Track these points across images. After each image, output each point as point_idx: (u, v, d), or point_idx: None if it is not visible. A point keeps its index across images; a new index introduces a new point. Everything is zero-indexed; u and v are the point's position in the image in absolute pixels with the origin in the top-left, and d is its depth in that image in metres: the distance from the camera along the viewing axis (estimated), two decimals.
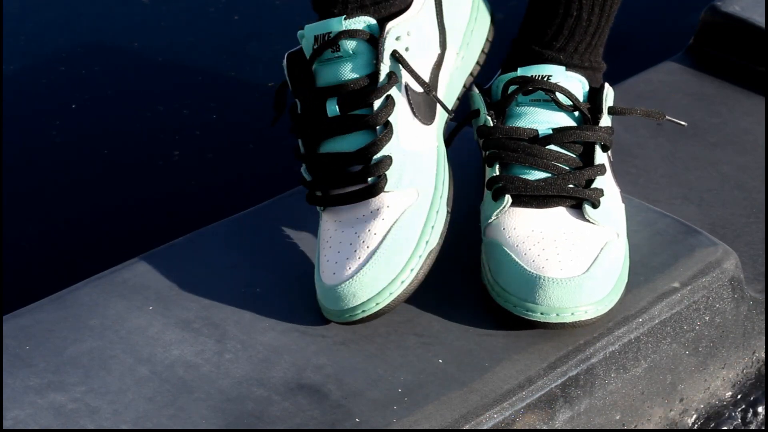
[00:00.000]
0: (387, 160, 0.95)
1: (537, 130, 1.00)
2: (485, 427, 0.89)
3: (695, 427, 1.05)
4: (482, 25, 1.06)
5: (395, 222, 0.94)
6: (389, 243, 0.93)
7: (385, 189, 0.95)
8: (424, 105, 0.98)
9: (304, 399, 0.89)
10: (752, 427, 1.07)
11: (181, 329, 0.95)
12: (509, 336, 0.95)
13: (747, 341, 1.07)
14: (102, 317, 0.96)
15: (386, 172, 0.95)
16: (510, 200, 0.98)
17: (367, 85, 0.95)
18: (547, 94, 1.01)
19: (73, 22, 1.66)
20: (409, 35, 0.96)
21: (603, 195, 0.99)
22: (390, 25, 0.95)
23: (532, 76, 1.01)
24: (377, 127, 0.95)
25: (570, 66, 1.04)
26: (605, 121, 1.02)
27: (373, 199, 0.95)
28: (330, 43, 0.95)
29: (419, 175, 0.96)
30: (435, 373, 0.91)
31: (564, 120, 1.01)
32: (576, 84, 1.02)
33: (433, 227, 0.95)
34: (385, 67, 0.95)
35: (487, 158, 1.01)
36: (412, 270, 0.93)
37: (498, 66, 1.09)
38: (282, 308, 0.97)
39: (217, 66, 1.57)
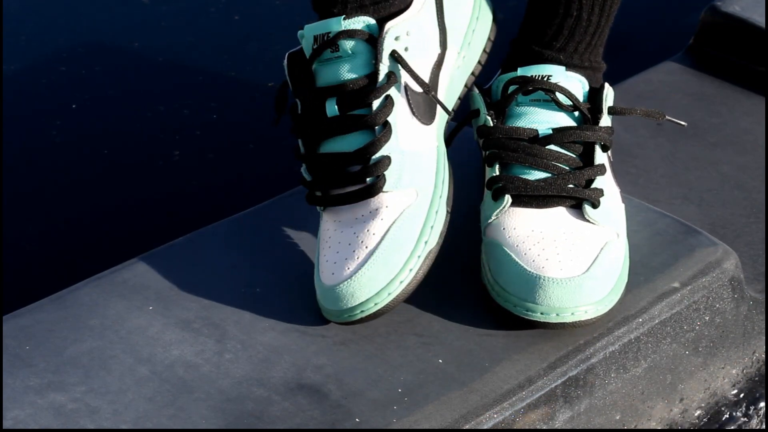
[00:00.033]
0: (386, 160, 0.95)
1: (537, 130, 1.00)
2: (485, 427, 0.89)
3: (695, 427, 1.05)
4: (484, 24, 1.06)
5: (394, 222, 0.94)
6: (388, 243, 0.93)
7: (384, 189, 0.95)
8: (424, 105, 0.98)
9: (304, 399, 0.89)
10: (752, 426, 1.07)
11: (181, 329, 0.95)
12: (509, 336, 0.95)
13: (747, 341, 1.07)
14: (102, 317, 0.96)
15: (385, 172, 0.95)
16: (510, 200, 0.98)
17: (366, 85, 0.95)
18: (547, 94, 1.01)
19: (73, 22, 1.66)
20: (408, 35, 0.96)
21: (603, 195, 0.99)
22: (389, 25, 0.95)
23: (532, 76, 1.01)
24: (376, 127, 0.95)
25: (570, 66, 1.04)
26: (605, 121, 1.02)
27: (372, 199, 0.95)
28: (329, 43, 0.95)
29: (418, 175, 0.96)
30: (435, 373, 0.91)
31: (564, 120, 1.01)
32: (576, 84, 1.02)
33: (432, 227, 0.95)
34: (384, 67, 0.95)
35: (487, 158, 1.01)
36: (411, 270, 0.93)
37: (498, 66, 1.09)
38: (282, 308, 0.97)
39: (217, 66, 1.57)
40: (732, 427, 1.06)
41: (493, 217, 0.98)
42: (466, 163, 1.08)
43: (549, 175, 0.99)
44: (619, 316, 0.97)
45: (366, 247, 0.93)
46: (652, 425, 1.02)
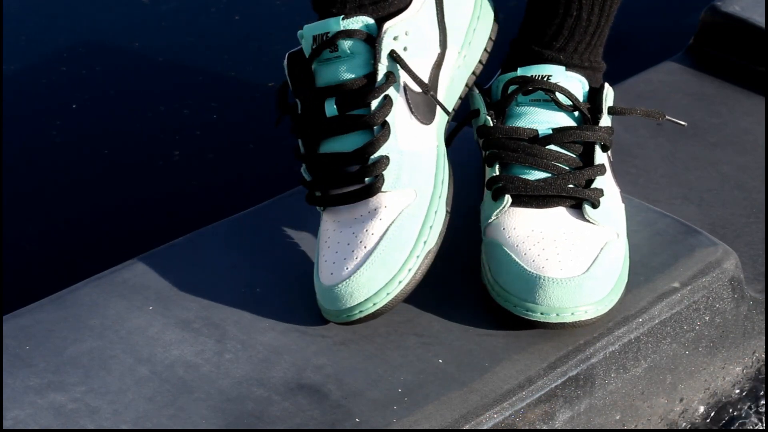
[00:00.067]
0: (384, 160, 0.95)
1: (537, 130, 1.00)
2: (485, 427, 0.89)
3: (695, 427, 1.05)
4: (485, 23, 1.05)
5: (393, 222, 0.94)
6: (386, 243, 0.93)
7: (383, 189, 0.94)
8: (423, 105, 0.98)
9: (304, 399, 0.89)
10: (753, 426, 1.07)
11: (181, 329, 0.95)
12: (509, 336, 0.95)
13: (747, 341, 1.07)
14: (102, 317, 0.96)
15: (383, 172, 0.95)
16: (510, 200, 0.98)
17: (365, 85, 0.95)
18: (547, 94, 1.01)
19: (73, 22, 1.66)
20: (407, 35, 0.96)
21: (603, 195, 0.99)
22: (387, 24, 0.95)
23: (532, 76, 1.01)
24: (375, 127, 0.95)
25: (570, 66, 1.04)
26: (605, 121, 1.02)
27: (371, 199, 0.95)
28: (328, 43, 0.95)
29: (417, 175, 0.96)
30: (435, 373, 0.91)
31: (564, 120, 1.01)
32: (576, 84, 1.02)
33: (431, 227, 0.95)
34: (382, 67, 0.95)
35: (487, 158, 1.01)
36: (409, 270, 0.93)
37: (498, 66, 1.09)
38: (282, 308, 0.97)
39: (217, 66, 1.57)
40: (732, 427, 1.06)
41: (493, 217, 0.98)
42: (466, 163, 1.08)
43: (549, 175, 0.99)
44: (619, 316, 0.97)
45: (365, 247, 0.93)
46: (652, 425, 1.02)
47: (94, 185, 1.38)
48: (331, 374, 0.91)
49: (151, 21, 1.66)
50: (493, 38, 1.07)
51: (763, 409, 1.08)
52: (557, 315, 0.93)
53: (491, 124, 1.01)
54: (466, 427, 0.88)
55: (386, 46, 0.95)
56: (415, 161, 0.96)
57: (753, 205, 1.16)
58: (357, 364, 0.92)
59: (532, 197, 0.98)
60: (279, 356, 0.93)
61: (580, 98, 1.02)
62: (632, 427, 1.00)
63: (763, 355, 1.09)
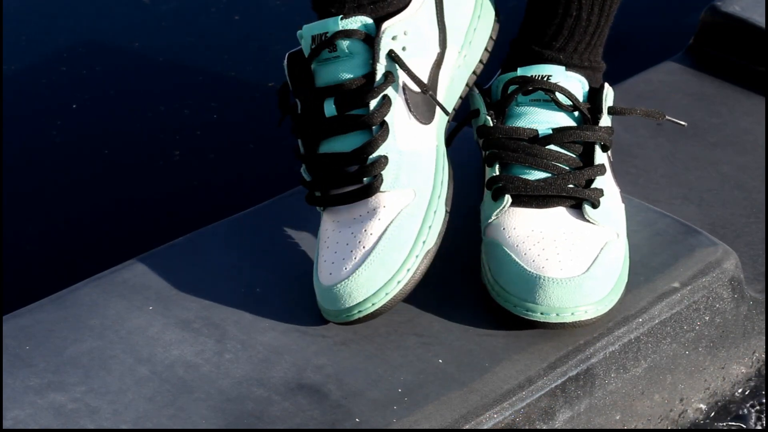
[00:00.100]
0: (383, 160, 0.95)
1: (537, 130, 1.00)
2: (485, 427, 0.89)
3: (695, 427, 1.05)
4: (486, 23, 1.05)
5: (391, 222, 0.94)
6: (385, 243, 0.93)
7: (382, 189, 0.94)
8: (423, 104, 0.98)
9: (304, 399, 0.89)
10: (753, 426, 1.07)
11: (181, 329, 0.95)
12: (509, 336, 0.95)
13: (747, 341, 1.07)
14: (102, 317, 0.96)
15: (382, 172, 0.95)
16: (510, 200, 0.98)
17: (364, 85, 0.95)
18: (546, 94, 1.01)
19: (73, 22, 1.66)
20: (406, 34, 0.96)
21: (603, 195, 0.99)
22: (386, 24, 0.95)
23: (531, 76, 1.01)
24: (373, 127, 0.95)
25: (570, 66, 1.04)
26: (605, 121, 1.02)
27: (370, 199, 0.95)
28: (327, 43, 0.95)
29: (416, 174, 0.96)
30: (435, 373, 0.91)
31: (564, 120, 1.01)
32: (576, 84, 1.02)
33: (430, 227, 0.95)
34: (381, 67, 0.95)
35: (487, 158, 1.01)
36: (408, 270, 0.93)
37: (498, 66, 1.08)
38: (282, 308, 0.97)
39: (217, 66, 1.57)
40: (732, 428, 1.06)
41: (493, 217, 0.98)
42: (466, 163, 1.08)
43: (549, 175, 0.99)
44: (619, 316, 0.97)
45: (363, 247, 0.93)
46: (652, 425, 1.02)
47: (94, 185, 1.38)
48: (331, 374, 0.91)
49: (151, 21, 1.66)
50: (494, 37, 1.06)
51: (763, 409, 1.08)
52: (557, 315, 0.93)
53: (491, 124, 1.01)
54: (466, 427, 0.88)
55: (385, 45, 0.95)
56: (414, 161, 0.96)
57: (753, 205, 1.16)
58: (357, 364, 0.92)
59: (532, 197, 0.98)
60: (279, 356, 0.93)
61: (580, 98, 1.02)
62: (632, 427, 1.00)
63: (763, 355, 1.09)
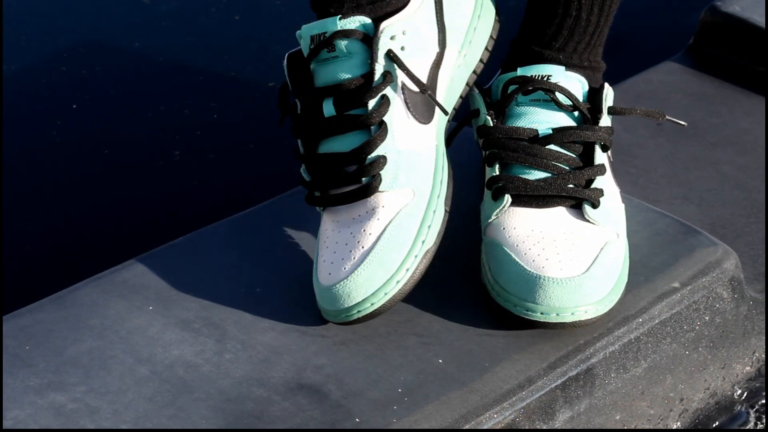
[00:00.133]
0: (381, 160, 0.95)
1: (537, 130, 1.00)
2: (485, 427, 0.89)
3: (695, 427, 1.05)
4: (486, 22, 1.05)
5: (390, 221, 0.94)
6: (384, 243, 0.93)
7: (380, 189, 0.94)
8: (422, 104, 0.98)
9: (304, 399, 0.89)
10: (753, 426, 1.07)
11: (181, 329, 0.95)
12: (509, 336, 0.95)
13: (747, 341, 1.07)
14: (102, 317, 0.96)
15: (381, 172, 0.95)
16: (510, 200, 0.98)
17: (362, 85, 0.95)
18: (546, 93, 1.01)
19: (73, 22, 1.66)
20: (404, 34, 0.96)
21: (603, 195, 0.99)
22: (384, 24, 0.95)
23: (531, 75, 1.01)
24: (372, 127, 0.95)
25: (569, 66, 1.04)
26: (605, 121, 1.02)
27: (369, 199, 0.95)
28: (325, 43, 0.95)
29: (415, 174, 0.96)
30: (435, 373, 0.91)
31: (564, 120, 1.01)
32: (575, 84, 1.02)
33: (429, 227, 0.95)
34: (379, 67, 0.95)
35: (487, 158, 1.01)
36: (407, 270, 0.93)
37: (498, 66, 1.09)
38: (282, 308, 0.97)
39: (218, 66, 1.57)
40: (732, 427, 1.06)
41: (493, 217, 0.98)
42: (466, 163, 1.08)
43: (549, 175, 0.99)
44: (619, 316, 0.97)
45: (362, 247, 0.93)
46: (652, 425, 1.02)
47: (94, 185, 1.38)
48: (331, 374, 0.91)
49: (151, 21, 1.66)
50: (495, 37, 1.06)
51: (763, 409, 1.08)
52: (557, 315, 0.93)
53: (491, 124, 1.01)
54: (466, 427, 0.88)
55: (383, 45, 0.95)
56: (413, 161, 0.96)
57: (753, 205, 1.16)
58: (357, 364, 0.92)
59: (532, 197, 0.98)
60: (279, 356, 0.93)
61: (580, 98, 1.02)
62: (632, 427, 1.00)
63: (763, 355, 1.09)
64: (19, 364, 0.92)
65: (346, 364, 0.92)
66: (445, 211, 0.97)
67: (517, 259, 0.95)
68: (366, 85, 0.95)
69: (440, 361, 0.93)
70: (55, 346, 0.93)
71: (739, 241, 1.12)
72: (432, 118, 0.99)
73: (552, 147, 0.99)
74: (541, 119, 1.01)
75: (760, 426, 1.07)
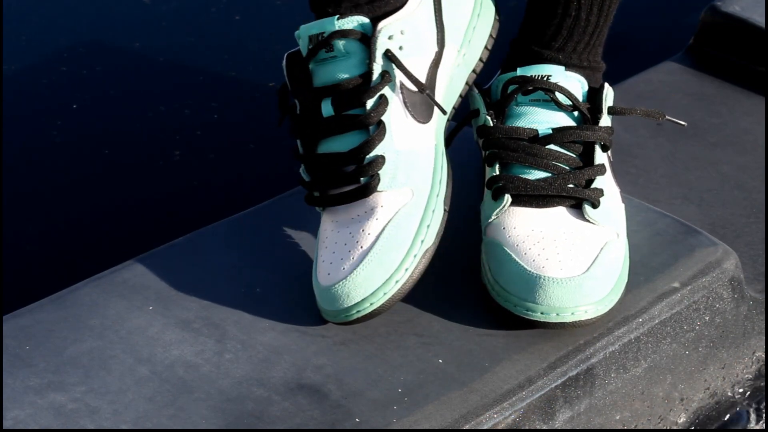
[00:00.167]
0: (380, 160, 0.95)
1: (537, 130, 1.00)
2: (485, 427, 0.89)
3: (696, 427, 1.05)
4: (485, 21, 1.05)
5: (389, 221, 0.94)
6: (383, 243, 0.93)
7: (379, 188, 0.94)
8: (420, 104, 0.98)
9: (304, 399, 0.89)
10: (753, 427, 1.07)
11: (181, 329, 0.95)
12: (509, 336, 0.95)
13: (747, 341, 1.07)
14: (102, 317, 0.96)
15: (379, 172, 0.95)
16: (510, 200, 0.98)
17: (360, 85, 0.95)
18: (546, 93, 1.01)
19: (73, 22, 1.66)
20: (402, 34, 0.96)
21: (603, 195, 0.99)
22: (382, 24, 0.95)
23: (531, 75, 1.01)
24: (370, 127, 0.95)
25: (569, 66, 1.04)
26: (605, 121, 1.02)
27: (367, 198, 0.95)
28: (323, 43, 0.95)
29: (414, 174, 0.96)
30: (435, 373, 0.91)
31: (564, 120, 1.01)
32: (575, 84, 1.02)
33: (428, 226, 0.95)
34: (377, 67, 0.95)
35: (487, 158, 1.01)
36: (406, 269, 0.93)
37: (498, 66, 1.09)
38: (282, 308, 0.97)
39: (218, 66, 1.57)
40: (732, 427, 1.06)
41: (493, 217, 0.98)
42: (466, 163, 1.08)
43: (549, 174, 0.99)
44: (619, 316, 0.97)
45: (361, 247, 0.93)
46: (652, 425, 1.02)
47: (94, 185, 1.38)
48: (331, 374, 0.91)
49: (151, 21, 1.66)
50: (494, 36, 1.06)
51: (763, 409, 1.08)
52: (557, 315, 0.93)
53: (491, 124, 1.01)
54: (466, 427, 0.88)
55: (381, 45, 0.95)
56: (411, 160, 0.96)
57: (753, 205, 1.16)
58: (357, 364, 0.92)
59: (532, 197, 0.98)
60: (279, 356, 0.93)
61: (580, 98, 1.02)
62: (632, 427, 1.00)
63: (763, 355, 1.09)
64: (19, 364, 0.92)
65: (346, 364, 0.92)
66: (445, 210, 0.97)
67: (517, 259, 0.95)
68: (364, 85, 0.95)
69: (440, 361, 0.93)
70: (55, 346, 0.93)
71: (739, 241, 1.12)
72: (431, 117, 0.99)
73: (552, 147, 0.99)
74: (541, 119, 1.01)
75: (760, 426, 1.07)
